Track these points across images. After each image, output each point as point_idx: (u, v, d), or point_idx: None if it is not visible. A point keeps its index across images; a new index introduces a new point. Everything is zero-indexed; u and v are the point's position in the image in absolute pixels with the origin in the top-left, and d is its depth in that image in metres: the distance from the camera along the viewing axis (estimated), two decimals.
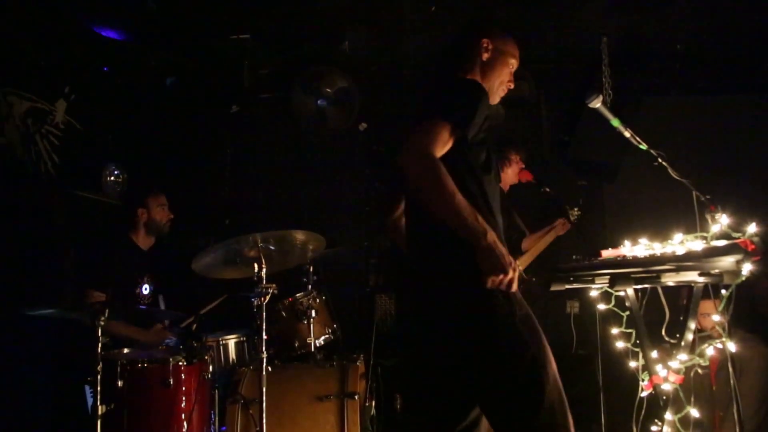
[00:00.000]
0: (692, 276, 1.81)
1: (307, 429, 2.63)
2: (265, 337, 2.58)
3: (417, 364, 1.84)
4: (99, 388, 2.26)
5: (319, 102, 4.78)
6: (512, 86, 2.09)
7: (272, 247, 2.51)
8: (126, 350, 2.64)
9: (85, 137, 4.19)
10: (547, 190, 3.76)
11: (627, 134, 2.23)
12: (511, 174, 3.82)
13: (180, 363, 2.47)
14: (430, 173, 1.59)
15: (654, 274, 1.82)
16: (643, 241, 1.99)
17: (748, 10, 3.98)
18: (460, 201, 1.60)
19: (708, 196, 2.32)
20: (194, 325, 2.78)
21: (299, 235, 2.56)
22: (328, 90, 4.76)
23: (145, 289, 3.48)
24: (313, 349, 2.93)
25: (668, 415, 1.99)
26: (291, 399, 2.66)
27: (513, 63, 2.06)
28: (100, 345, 2.29)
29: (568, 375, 4.43)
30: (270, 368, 2.84)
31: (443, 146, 1.66)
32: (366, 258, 4.76)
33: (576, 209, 4.06)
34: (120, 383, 2.33)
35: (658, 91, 4.56)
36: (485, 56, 1.97)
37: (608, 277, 1.93)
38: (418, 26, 4.44)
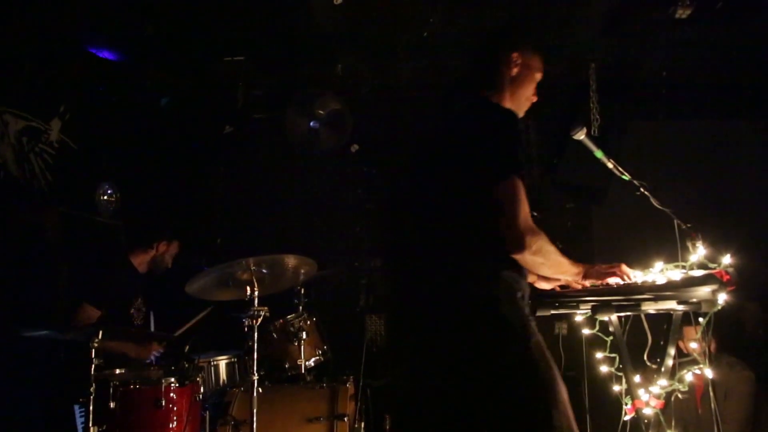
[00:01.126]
0: (671, 304, 1.88)
1: None
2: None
3: (427, 389, 1.82)
4: (92, 409, 2.27)
5: (311, 123, 4.84)
6: (535, 99, 2.05)
7: (265, 271, 2.55)
8: (118, 371, 2.66)
9: (79, 156, 4.23)
10: (534, 214, 3.82)
11: (610, 165, 2.30)
12: None
13: (172, 384, 2.49)
14: (544, 253, 1.73)
15: (634, 302, 1.88)
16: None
17: (736, 37, 4.09)
18: (563, 261, 1.80)
19: (689, 225, 2.39)
20: (187, 347, 2.81)
21: (291, 260, 2.60)
22: (321, 112, 4.82)
23: (137, 310, 3.51)
24: (303, 371, 2.96)
25: None
26: (281, 420, 2.69)
27: (539, 77, 2.02)
28: (93, 366, 2.30)
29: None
30: (261, 389, 2.87)
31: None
32: (356, 278, 4.81)
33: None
34: (112, 404, 2.35)
35: (644, 116, 4.66)
36: (515, 71, 1.92)
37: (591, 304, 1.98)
38: (411, 50, 4.53)
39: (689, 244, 2.34)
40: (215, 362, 3.10)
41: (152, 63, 4.43)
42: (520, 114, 1.99)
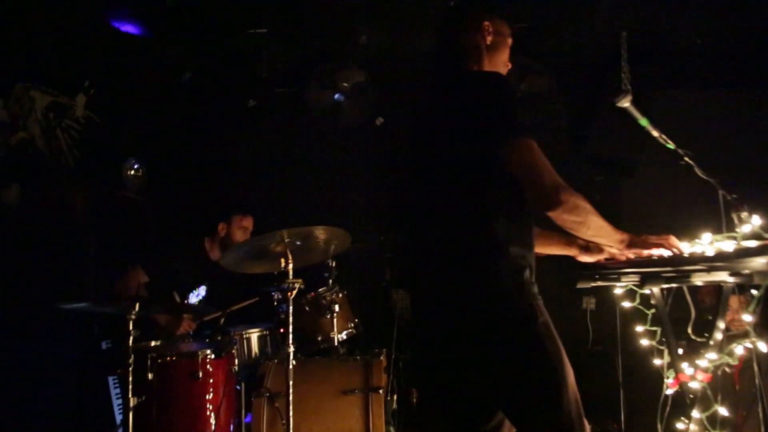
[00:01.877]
0: (722, 276, 1.82)
1: (332, 423, 2.66)
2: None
3: (440, 366, 1.80)
4: (131, 380, 2.28)
5: (335, 96, 4.79)
6: (510, 66, 1.99)
7: (298, 243, 2.53)
8: (153, 343, 2.68)
9: (104, 131, 4.23)
10: None
11: (655, 133, 2.22)
12: None
13: (208, 356, 2.50)
14: (581, 211, 1.66)
15: (684, 274, 1.83)
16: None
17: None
18: (605, 224, 1.73)
19: (735, 196, 2.33)
20: (221, 320, 2.82)
21: (325, 232, 2.58)
22: (345, 84, 4.76)
23: (198, 295, 3.48)
24: (336, 343, 2.95)
25: (695, 414, 2.00)
26: (316, 393, 2.69)
27: (510, 42, 1.97)
28: (131, 338, 2.31)
29: (584, 371, 4.44)
30: (294, 362, 2.89)
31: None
32: (381, 253, 4.78)
33: None
34: (150, 376, 2.36)
35: (673, 84, 4.53)
36: (489, 40, 1.87)
37: (636, 275, 1.93)
38: (437, 21, 4.43)
39: (734, 216, 2.28)
40: (247, 335, 3.10)
41: (174, 37, 4.39)
42: None
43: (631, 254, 1.92)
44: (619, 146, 4.40)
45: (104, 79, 4.25)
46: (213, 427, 2.45)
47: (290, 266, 2.57)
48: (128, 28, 4.18)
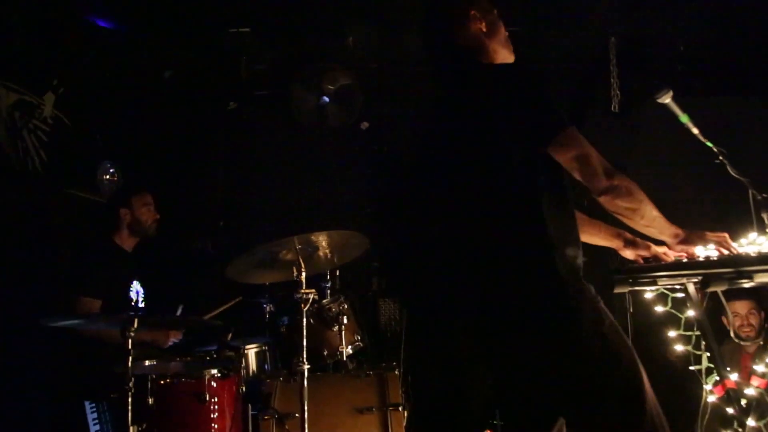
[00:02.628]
0: None
1: None
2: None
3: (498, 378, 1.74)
4: (130, 407, 2.03)
5: (320, 99, 4.62)
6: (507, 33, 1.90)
7: (310, 249, 2.34)
8: (147, 362, 2.42)
9: (74, 133, 3.92)
10: None
11: (695, 131, 2.16)
12: None
13: (215, 376, 2.27)
14: (635, 198, 1.61)
15: (747, 275, 1.75)
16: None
17: (751, 11, 4.01)
18: (659, 215, 1.66)
19: (765, 195, 2.29)
20: (229, 335, 2.58)
21: (338, 237, 2.40)
22: (330, 87, 4.59)
23: (135, 292, 3.25)
24: (345, 358, 2.76)
25: (751, 422, 1.91)
26: (329, 412, 2.49)
27: (497, 13, 1.88)
28: (130, 359, 2.06)
29: None
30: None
31: None
32: (368, 261, 4.62)
33: None
34: (150, 400, 2.11)
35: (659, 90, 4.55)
36: (484, 26, 1.80)
37: (695, 276, 1.83)
38: (420, 23, 4.33)
39: (764, 215, 2.24)
40: (244, 351, 2.87)
41: (152, 33, 4.12)
42: (512, 56, 1.88)
43: (680, 252, 1.84)
44: (607, 151, 4.38)
45: (75, 77, 3.94)
46: None
47: (303, 275, 2.38)
48: (103, 22, 3.89)
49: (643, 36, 4.45)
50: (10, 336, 3.01)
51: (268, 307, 3.54)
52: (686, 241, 1.78)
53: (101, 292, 2.92)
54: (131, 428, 2.03)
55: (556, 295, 1.55)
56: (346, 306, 2.88)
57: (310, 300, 2.36)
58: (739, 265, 1.73)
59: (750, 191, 2.30)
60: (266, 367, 2.95)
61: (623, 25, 4.34)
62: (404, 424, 2.48)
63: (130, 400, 2.04)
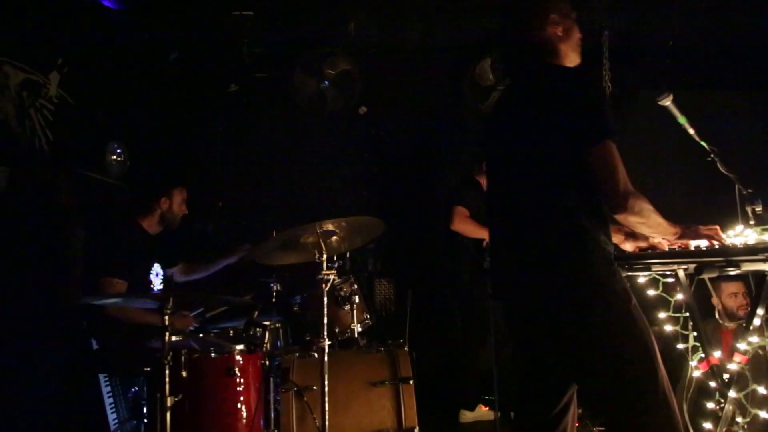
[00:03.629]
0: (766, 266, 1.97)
1: (364, 416, 2.63)
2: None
3: (529, 345, 1.90)
4: (167, 379, 2.17)
5: (320, 83, 4.70)
6: (581, 35, 2.05)
7: (335, 231, 2.48)
8: (174, 338, 2.54)
9: (77, 113, 3.95)
10: None
11: (691, 131, 2.34)
12: None
13: (242, 351, 2.41)
14: (644, 214, 1.76)
15: (735, 263, 1.96)
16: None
17: (740, 8, 4.19)
18: (662, 221, 1.83)
19: (750, 190, 2.50)
20: (256, 312, 2.72)
21: (356, 222, 2.54)
22: (331, 72, 4.68)
23: (155, 275, 3.38)
24: (356, 335, 2.92)
25: (732, 393, 2.14)
26: (345, 386, 2.65)
27: (575, 15, 2.01)
28: (167, 334, 2.19)
29: None
30: (316, 355, 2.83)
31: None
32: (364, 243, 4.76)
33: None
34: (184, 373, 2.25)
35: (654, 85, 4.74)
36: (560, 30, 1.92)
37: (687, 264, 2.05)
38: (427, 11, 4.44)
39: (748, 209, 2.45)
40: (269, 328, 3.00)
41: (156, 15, 4.15)
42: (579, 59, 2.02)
43: (677, 244, 2.04)
44: None
45: (79, 57, 3.96)
46: (247, 424, 2.37)
47: (324, 257, 2.52)
48: (108, 2, 3.91)
49: (636, 31, 4.60)
50: (21, 315, 3.09)
51: (275, 287, 3.68)
52: (683, 236, 1.99)
53: (128, 274, 3.02)
54: (168, 399, 2.16)
55: (590, 278, 1.74)
56: (356, 286, 3.03)
57: (331, 280, 2.50)
58: (728, 255, 1.94)
59: (737, 186, 2.51)
60: (278, 343, 3.09)
61: (617, 18, 4.48)
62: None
63: (167, 372, 2.16)
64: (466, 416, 3.88)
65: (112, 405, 3.35)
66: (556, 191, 1.78)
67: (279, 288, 3.65)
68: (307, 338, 3.00)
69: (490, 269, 2.01)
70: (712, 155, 2.43)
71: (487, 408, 3.99)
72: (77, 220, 3.43)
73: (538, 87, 1.85)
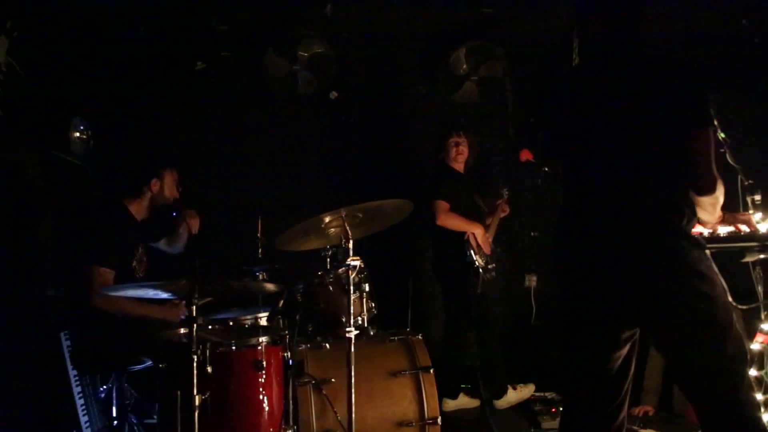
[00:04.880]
0: None
1: (387, 407, 2.54)
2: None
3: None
4: (195, 374, 1.98)
5: (292, 65, 4.52)
6: None
7: (360, 215, 2.37)
8: (183, 330, 2.34)
9: (28, 84, 3.55)
10: (546, 169, 3.96)
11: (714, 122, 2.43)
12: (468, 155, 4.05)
13: (268, 343, 2.25)
14: (719, 197, 1.89)
15: None
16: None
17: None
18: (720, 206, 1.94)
19: (751, 181, 2.64)
20: (281, 301, 2.55)
21: (387, 206, 2.44)
22: (304, 54, 4.52)
23: (140, 261, 3.12)
24: (366, 325, 2.81)
25: (753, 371, 2.25)
26: (364, 377, 2.53)
27: None
28: (195, 327, 2.00)
29: (530, 344, 4.67)
30: (328, 346, 2.71)
31: None
32: None
33: (506, 190, 4.36)
34: (210, 369, 2.06)
35: None
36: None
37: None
38: None
39: (748, 199, 2.59)
40: (257, 320, 2.83)
41: None
42: None
43: (716, 228, 2.15)
44: None
45: (34, 21, 3.55)
46: (272, 421, 2.22)
47: (350, 243, 2.40)
48: None
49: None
50: None
51: (260, 276, 3.50)
52: (723, 221, 2.15)
53: (115, 263, 2.79)
54: (196, 397, 1.97)
55: (696, 249, 1.81)
56: (364, 274, 2.91)
57: (357, 267, 2.38)
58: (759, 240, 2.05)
59: (739, 177, 2.64)
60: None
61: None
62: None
63: (195, 366, 1.98)
64: (449, 404, 3.88)
65: (84, 406, 3.06)
66: (661, 168, 1.85)
67: (265, 277, 3.48)
68: (310, 329, 2.87)
69: (561, 243, 1.98)
70: (724, 147, 2.53)
71: (469, 396, 4.01)
72: (46, 203, 3.08)
73: (652, 64, 1.90)
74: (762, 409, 2.16)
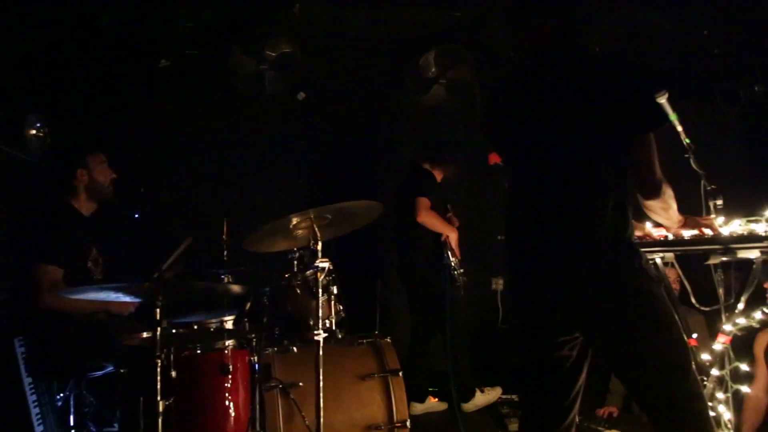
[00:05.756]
0: (756, 253, 2.14)
1: (355, 410, 2.51)
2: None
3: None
4: (159, 379, 1.92)
5: (259, 65, 4.46)
6: None
7: (329, 216, 2.34)
8: (146, 334, 2.27)
9: None
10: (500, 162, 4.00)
11: (679, 128, 2.48)
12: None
13: (235, 347, 2.19)
14: (667, 200, 1.88)
15: (732, 250, 2.11)
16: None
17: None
18: (675, 209, 1.95)
19: (713, 186, 2.71)
20: (248, 304, 2.48)
21: (357, 207, 2.41)
22: (271, 53, 4.46)
23: (95, 261, 3.02)
24: (335, 328, 2.77)
25: (715, 371, 2.30)
26: (332, 380, 2.50)
27: None
28: (159, 330, 1.94)
29: (497, 347, 4.70)
30: (295, 349, 2.67)
31: None
32: None
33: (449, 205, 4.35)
34: (174, 373, 2.00)
35: None
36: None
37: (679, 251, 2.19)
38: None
39: (711, 204, 2.65)
40: (222, 323, 2.76)
41: None
42: None
43: (680, 232, 2.17)
44: None
45: None
46: (238, 426, 2.16)
47: (319, 246, 2.37)
48: None
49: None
50: None
51: (225, 278, 3.43)
52: (686, 225, 2.14)
53: (63, 260, 2.67)
54: (160, 403, 1.91)
55: (636, 256, 1.77)
56: (332, 276, 2.88)
57: (326, 269, 2.35)
58: (725, 243, 2.10)
59: (702, 182, 2.70)
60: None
61: None
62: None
63: (159, 371, 1.91)
64: (417, 408, 3.87)
65: (39, 415, 2.93)
66: (600, 173, 1.78)
67: (230, 279, 3.42)
68: (277, 332, 2.82)
69: (512, 254, 1.96)
70: (689, 153, 2.59)
71: (436, 399, 4.00)
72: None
73: (588, 67, 1.82)
74: (711, 403, 2.22)
